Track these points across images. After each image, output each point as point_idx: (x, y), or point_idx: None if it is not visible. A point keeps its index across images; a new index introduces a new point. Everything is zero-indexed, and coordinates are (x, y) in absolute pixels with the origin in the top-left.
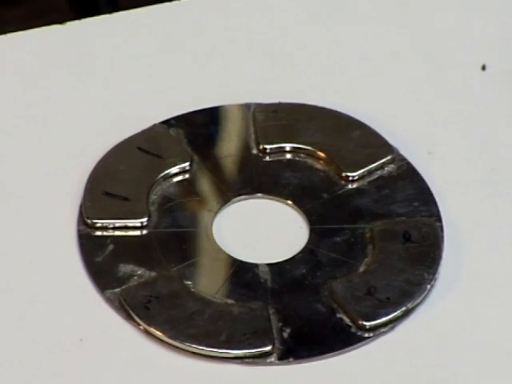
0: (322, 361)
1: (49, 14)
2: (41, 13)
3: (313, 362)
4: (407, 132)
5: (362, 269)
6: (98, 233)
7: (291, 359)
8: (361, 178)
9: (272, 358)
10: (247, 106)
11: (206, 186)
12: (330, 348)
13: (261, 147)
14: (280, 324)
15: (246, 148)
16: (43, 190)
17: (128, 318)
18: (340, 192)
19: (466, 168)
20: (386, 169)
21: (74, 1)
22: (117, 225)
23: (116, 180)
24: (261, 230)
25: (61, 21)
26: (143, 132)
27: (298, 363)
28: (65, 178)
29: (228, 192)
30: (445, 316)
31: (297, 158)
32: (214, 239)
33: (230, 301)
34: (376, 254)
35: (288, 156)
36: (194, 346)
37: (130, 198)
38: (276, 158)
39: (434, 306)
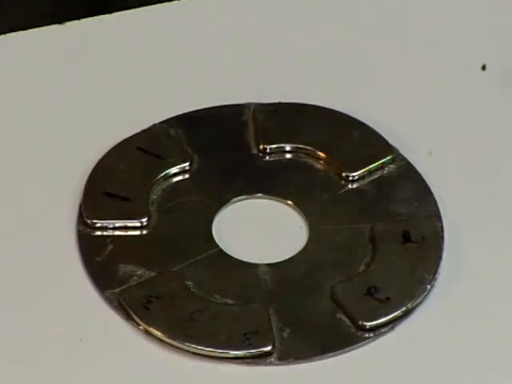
0: (322, 361)
1: (43, 13)
2: (37, 12)
3: (313, 362)
4: (407, 132)
5: (361, 269)
6: (98, 233)
7: (291, 359)
8: (361, 177)
9: (272, 358)
10: (247, 105)
11: (205, 186)
12: (330, 348)
13: (261, 147)
14: (280, 324)
15: (245, 148)
16: (43, 190)
17: (128, 318)
18: (340, 192)
19: (466, 168)
20: (386, 169)
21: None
22: (116, 225)
23: (116, 180)
24: (261, 230)
25: (54, 21)
26: (143, 132)
27: (298, 363)
28: (64, 178)
29: (228, 192)
30: (445, 316)
31: (297, 158)
32: (213, 239)
33: (230, 301)
34: (376, 254)
35: (288, 156)
36: (193, 346)
37: (130, 198)
38: (276, 158)
39: (434, 306)
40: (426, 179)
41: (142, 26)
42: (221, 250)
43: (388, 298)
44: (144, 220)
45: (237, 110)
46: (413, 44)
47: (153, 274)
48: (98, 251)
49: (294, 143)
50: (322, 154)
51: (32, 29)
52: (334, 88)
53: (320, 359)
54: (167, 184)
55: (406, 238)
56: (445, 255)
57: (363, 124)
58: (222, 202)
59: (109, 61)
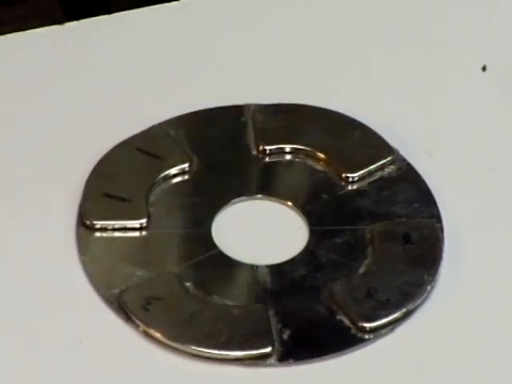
0: (322, 362)
1: (43, 15)
2: (38, 14)
3: (312, 364)
4: (407, 133)
5: (361, 270)
6: (97, 234)
7: (291, 361)
8: (361, 179)
9: (272, 360)
10: (247, 106)
11: (205, 187)
12: (330, 349)
13: (260, 148)
14: (280, 325)
15: (245, 149)
16: (43, 191)
17: (127, 319)
18: (340, 193)
19: (466, 169)
20: (386, 170)
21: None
22: (116, 226)
23: (115, 181)
24: (260, 232)
25: (54, 22)
26: (143, 133)
27: (298, 365)
28: (64, 178)
29: (227, 193)
30: (445, 317)
31: (297, 159)
32: (213, 240)
33: (230, 302)
34: (376, 255)
35: (288, 157)
36: (193, 347)
37: (130, 199)
38: (276, 159)
39: (434, 307)
40: (426, 180)
41: (142, 26)
42: (220, 251)
43: (388, 300)
44: (143, 221)
45: (237, 110)
46: (413, 45)
47: (152, 275)
48: (97, 252)
49: (293, 144)
50: (321, 155)
51: (32, 29)
52: (334, 88)
53: (320, 361)
54: (167, 185)
55: (406, 239)
56: (445, 256)
57: (363, 125)
58: (221, 203)
59: (108, 61)
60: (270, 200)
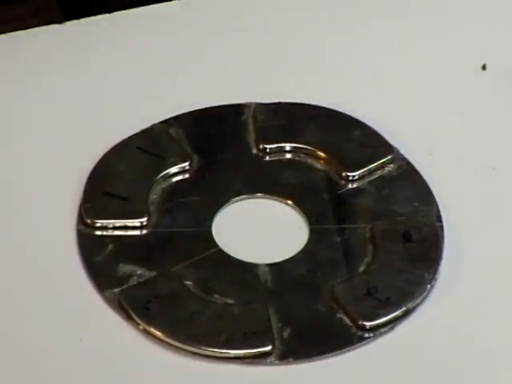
0: (322, 361)
1: (43, 14)
2: (37, 12)
3: (313, 362)
4: (407, 132)
5: (361, 269)
6: (98, 233)
7: (291, 359)
8: (361, 177)
9: (272, 358)
10: (247, 105)
11: (205, 185)
12: (330, 348)
13: (261, 147)
14: (280, 324)
15: (245, 148)
16: (43, 190)
17: (128, 317)
18: (340, 192)
19: (467, 168)
20: (387, 169)
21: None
22: (116, 225)
23: (116, 180)
24: (261, 230)
25: (54, 20)
26: (143, 132)
27: (298, 363)
28: (64, 177)
29: (228, 192)
30: (445, 316)
31: (297, 158)
32: (213, 239)
33: (230, 301)
34: (376, 254)
35: (288, 156)
36: (193, 346)
37: (130, 197)
38: (276, 158)
39: (434, 306)
40: (426, 179)
41: (142, 26)
42: (220, 249)
43: (388, 298)
44: (144, 220)
45: (237, 109)
46: (413, 44)
47: (153, 273)
48: (97, 251)
49: (293, 143)
50: (322, 154)
51: (32, 29)
52: (333, 88)
53: (320, 359)
54: (167, 184)
55: (406, 237)
56: (445, 255)
57: (363, 124)
58: (221, 201)
59: (109, 61)
60: (270, 199)
